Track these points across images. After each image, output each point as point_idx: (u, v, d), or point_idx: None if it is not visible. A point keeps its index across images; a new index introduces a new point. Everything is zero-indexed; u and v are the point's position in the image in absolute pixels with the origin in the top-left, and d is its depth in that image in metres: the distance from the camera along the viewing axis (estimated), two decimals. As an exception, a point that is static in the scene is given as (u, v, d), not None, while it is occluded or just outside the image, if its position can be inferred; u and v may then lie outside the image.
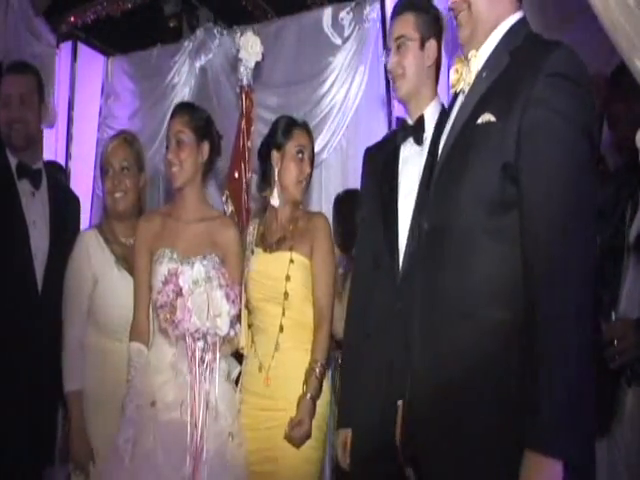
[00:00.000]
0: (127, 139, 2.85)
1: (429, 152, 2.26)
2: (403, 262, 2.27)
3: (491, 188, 1.62)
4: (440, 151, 1.82)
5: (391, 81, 2.42)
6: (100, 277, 2.70)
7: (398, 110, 3.25)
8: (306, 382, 2.46)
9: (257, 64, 3.63)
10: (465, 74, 1.80)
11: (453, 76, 1.84)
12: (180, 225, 2.62)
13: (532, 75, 1.59)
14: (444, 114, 2.33)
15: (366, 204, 2.50)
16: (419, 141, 2.35)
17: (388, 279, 2.29)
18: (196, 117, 2.65)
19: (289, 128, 2.68)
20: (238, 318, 2.41)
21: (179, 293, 2.20)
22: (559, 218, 1.52)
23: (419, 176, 2.29)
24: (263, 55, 3.58)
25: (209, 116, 2.73)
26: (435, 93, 2.42)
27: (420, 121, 2.37)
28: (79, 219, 3.24)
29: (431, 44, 2.38)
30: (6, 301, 2.78)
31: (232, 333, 2.29)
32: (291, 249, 2.59)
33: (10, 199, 2.85)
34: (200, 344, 2.23)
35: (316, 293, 2.58)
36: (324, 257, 2.60)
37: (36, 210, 2.91)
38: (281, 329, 2.54)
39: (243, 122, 3.81)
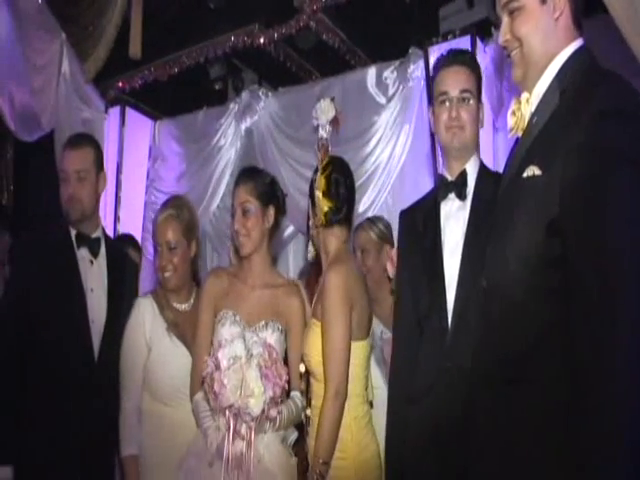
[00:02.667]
0: (172, 214, 2.81)
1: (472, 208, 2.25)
2: (452, 321, 2.19)
3: (536, 246, 1.56)
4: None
5: (446, 138, 2.33)
6: (153, 344, 2.73)
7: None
8: None
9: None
10: (520, 118, 1.74)
11: (511, 120, 1.78)
12: (246, 289, 2.64)
13: (575, 119, 1.53)
14: (483, 169, 2.35)
15: (407, 263, 2.39)
16: (462, 196, 2.31)
17: (435, 340, 2.21)
18: (260, 183, 2.62)
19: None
20: (287, 395, 2.43)
21: (217, 367, 2.23)
22: (607, 279, 1.40)
23: (463, 231, 2.25)
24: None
25: (273, 178, 2.71)
26: (477, 149, 2.40)
27: (462, 176, 2.33)
28: (137, 286, 3.28)
29: (482, 105, 2.38)
30: (63, 369, 2.79)
31: (273, 413, 2.28)
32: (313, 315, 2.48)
33: (69, 267, 2.90)
34: (237, 419, 2.27)
35: (323, 359, 2.34)
36: (325, 317, 2.33)
37: (94, 278, 2.94)
38: (307, 419, 2.45)
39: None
